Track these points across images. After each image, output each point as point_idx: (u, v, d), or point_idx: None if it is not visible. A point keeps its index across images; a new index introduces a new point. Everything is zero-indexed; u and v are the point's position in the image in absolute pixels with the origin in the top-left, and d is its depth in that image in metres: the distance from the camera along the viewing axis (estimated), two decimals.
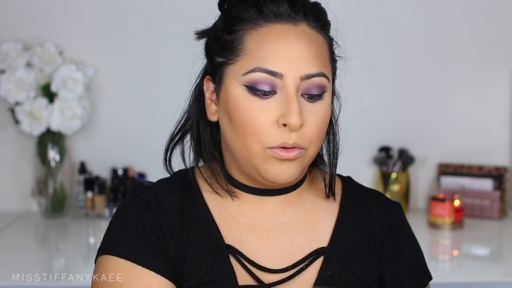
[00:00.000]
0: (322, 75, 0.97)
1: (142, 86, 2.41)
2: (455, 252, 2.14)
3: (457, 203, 2.23)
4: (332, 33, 1.05)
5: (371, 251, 1.07)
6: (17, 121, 2.26)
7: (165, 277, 0.99)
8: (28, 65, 2.27)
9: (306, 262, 1.04)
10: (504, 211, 2.39)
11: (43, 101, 2.24)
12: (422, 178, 2.49)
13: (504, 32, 2.44)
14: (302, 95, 0.97)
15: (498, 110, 2.46)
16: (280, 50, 0.95)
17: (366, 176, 2.46)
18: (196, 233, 1.03)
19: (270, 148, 0.96)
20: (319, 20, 1.00)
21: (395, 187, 2.38)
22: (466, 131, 2.47)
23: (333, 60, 1.03)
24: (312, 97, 0.97)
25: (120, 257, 0.99)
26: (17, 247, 2.08)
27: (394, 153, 2.44)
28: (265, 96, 0.95)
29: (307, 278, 1.03)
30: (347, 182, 1.14)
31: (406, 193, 2.39)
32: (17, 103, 2.25)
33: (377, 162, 2.41)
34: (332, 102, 1.06)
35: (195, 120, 1.06)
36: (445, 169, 2.43)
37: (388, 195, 2.31)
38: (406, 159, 2.39)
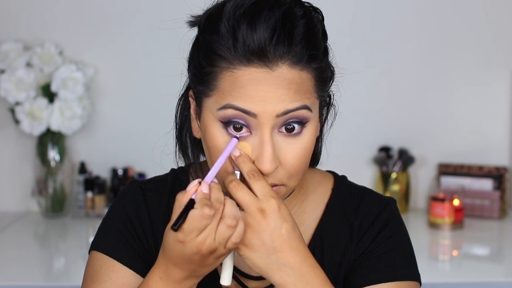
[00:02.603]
0: (303, 107, 0.91)
1: (142, 86, 2.41)
2: (455, 252, 2.14)
3: (457, 203, 2.23)
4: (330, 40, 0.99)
5: (350, 253, 1.05)
6: (17, 121, 2.27)
7: (142, 275, 1.01)
8: (28, 65, 2.27)
9: None
10: (504, 211, 2.39)
11: (43, 101, 2.24)
12: (422, 178, 2.48)
13: (504, 32, 2.44)
14: (279, 130, 0.92)
15: (498, 110, 2.46)
16: (252, 92, 0.89)
17: (366, 176, 2.45)
18: None
19: None
20: (303, 57, 0.90)
21: (395, 187, 2.38)
22: (466, 131, 2.47)
23: (323, 85, 0.96)
24: (292, 129, 0.92)
25: (103, 252, 1.04)
26: (17, 247, 2.08)
27: (394, 153, 2.44)
28: (239, 134, 0.91)
29: None
30: (339, 182, 1.10)
31: (406, 193, 2.39)
32: (17, 103, 2.25)
33: (377, 162, 2.41)
34: (325, 116, 1.03)
35: (179, 129, 1.04)
36: (445, 169, 2.43)
37: (388, 195, 2.33)
38: (406, 159, 2.39)
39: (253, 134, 0.91)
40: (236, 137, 0.91)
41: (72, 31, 2.38)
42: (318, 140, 1.06)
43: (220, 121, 0.92)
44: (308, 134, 0.93)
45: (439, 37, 2.44)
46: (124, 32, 2.39)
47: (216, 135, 0.92)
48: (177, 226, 0.85)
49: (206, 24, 0.93)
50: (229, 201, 0.88)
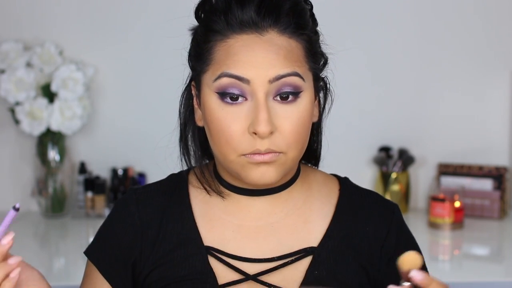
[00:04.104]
0: (295, 74, 0.96)
1: (142, 86, 2.41)
2: (455, 252, 2.14)
3: (457, 203, 2.23)
4: (321, 26, 1.04)
5: (363, 255, 1.05)
6: (17, 121, 2.27)
7: None
8: (28, 65, 2.27)
9: (293, 258, 1.03)
10: (504, 211, 2.39)
11: (43, 101, 2.24)
12: (422, 178, 2.48)
13: (504, 32, 2.44)
14: (274, 98, 0.96)
15: (498, 110, 2.46)
16: (244, 58, 0.94)
17: (366, 176, 2.45)
18: (174, 234, 1.06)
19: (244, 155, 0.96)
20: (290, 24, 0.97)
21: (395, 187, 2.38)
22: (466, 131, 2.47)
23: (314, 58, 1.00)
24: (286, 98, 0.96)
25: (90, 260, 1.09)
26: (17, 247, 2.08)
27: (394, 153, 2.44)
28: (235, 102, 0.95)
29: (295, 277, 1.03)
30: (344, 183, 1.11)
31: (406, 193, 2.39)
32: (17, 103, 2.25)
33: (377, 162, 2.41)
34: (319, 99, 1.06)
35: (183, 123, 1.07)
36: (445, 169, 2.43)
37: (388, 195, 2.34)
38: (406, 159, 2.39)
39: (249, 100, 0.95)
40: (15, 208, 0.95)
41: (72, 31, 2.38)
42: (319, 132, 1.08)
43: (217, 93, 0.96)
44: (303, 104, 0.97)
45: (439, 37, 2.44)
46: (124, 32, 2.39)
47: (214, 108, 0.96)
48: None
49: (200, 7, 1.00)
50: None
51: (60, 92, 2.24)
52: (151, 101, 2.37)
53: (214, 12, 0.97)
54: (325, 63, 1.05)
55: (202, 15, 1.00)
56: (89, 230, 2.21)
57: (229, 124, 0.95)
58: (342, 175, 1.13)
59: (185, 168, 1.10)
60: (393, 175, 2.38)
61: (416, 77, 2.46)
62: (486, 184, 2.39)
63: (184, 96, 1.06)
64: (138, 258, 1.06)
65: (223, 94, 0.95)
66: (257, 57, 0.94)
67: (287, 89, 0.95)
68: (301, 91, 0.96)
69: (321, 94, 1.06)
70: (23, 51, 2.27)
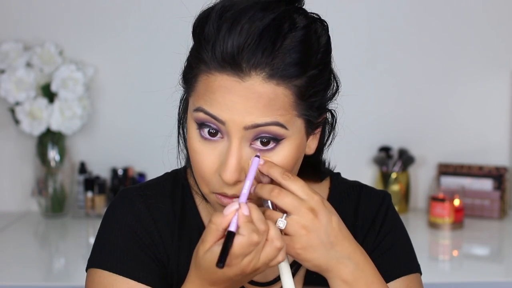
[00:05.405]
0: (275, 124, 0.87)
1: (142, 86, 2.41)
2: (455, 252, 2.14)
3: (457, 203, 2.23)
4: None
5: None
6: (17, 121, 2.26)
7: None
8: (28, 65, 2.27)
9: (292, 270, 1.01)
10: (504, 211, 2.39)
11: (43, 101, 2.24)
12: (422, 178, 2.48)
13: (504, 32, 2.44)
14: (252, 143, 0.89)
15: (498, 110, 2.46)
16: (221, 99, 0.87)
17: (366, 176, 2.45)
18: (187, 242, 1.02)
19: (214, 193, 0.92)
20: (280, 70, 0.86)
21: (395, 187, 2.37)
22: (466, 131, 2.47)
23: (308, 102, 0.90)
24: (267, 142, 0.89)
25: (111, 271, 0.98)
26: (17, 247, 2.08)
27: (394, 153, 2.44)
28: (212, 139, 0.90)
29: (296, 284, 1.02)
30: (335, 181, 1.10)
31: (406, 193, 2.39)
32: (17, 103, 2.25)
33: (377, 162, 2.41)
34: (327, 137, 1.03)
35: (179, 120, 1.03)
36: (445, 169, 2.43)
37: (382, 189, 2.33)
38: (406, 159, 2.39)
39: (224, 140, 0.90)
40: (256, 155, 0.88)
41: (72, 31, 2.38)
42: (318, 159, 1.04)
43: (196, 122, 0.90)
44: (282, 153, 0.90)
45: (439, 37, 2.44)
46: (124, 32, 2.39)
47: (193, 137, 0.91)
48: (223, 263, 0.81)
49: (195, 25, 0.92)
50: (271, 222, 0.85)
51: (60, 92, 2.24)
52: (151, 101, 2.36)
53: (205, 38, 0.88)
54: (334, 94, 0.97)
55: (195, 34, 0.91)
56: (89, 230, 2.22)
57: (202, 160, 0.91)
58: (342, 175, 1.13)
59: (183, 164, 1.06)
60: (393, 175, 2.38)
61: (417, 77, 2.45)
62: (486, 184, 2.39)
63: (184, 98, 1.02)
64: (160, 258, 1.01)
65: (201, 125, 0.90)
66: (234, 102, 0.86)
67: (266, 136, 0.88)
68: (283, 139, 0.89)
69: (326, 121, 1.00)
70: (23, 51, 2.27)
